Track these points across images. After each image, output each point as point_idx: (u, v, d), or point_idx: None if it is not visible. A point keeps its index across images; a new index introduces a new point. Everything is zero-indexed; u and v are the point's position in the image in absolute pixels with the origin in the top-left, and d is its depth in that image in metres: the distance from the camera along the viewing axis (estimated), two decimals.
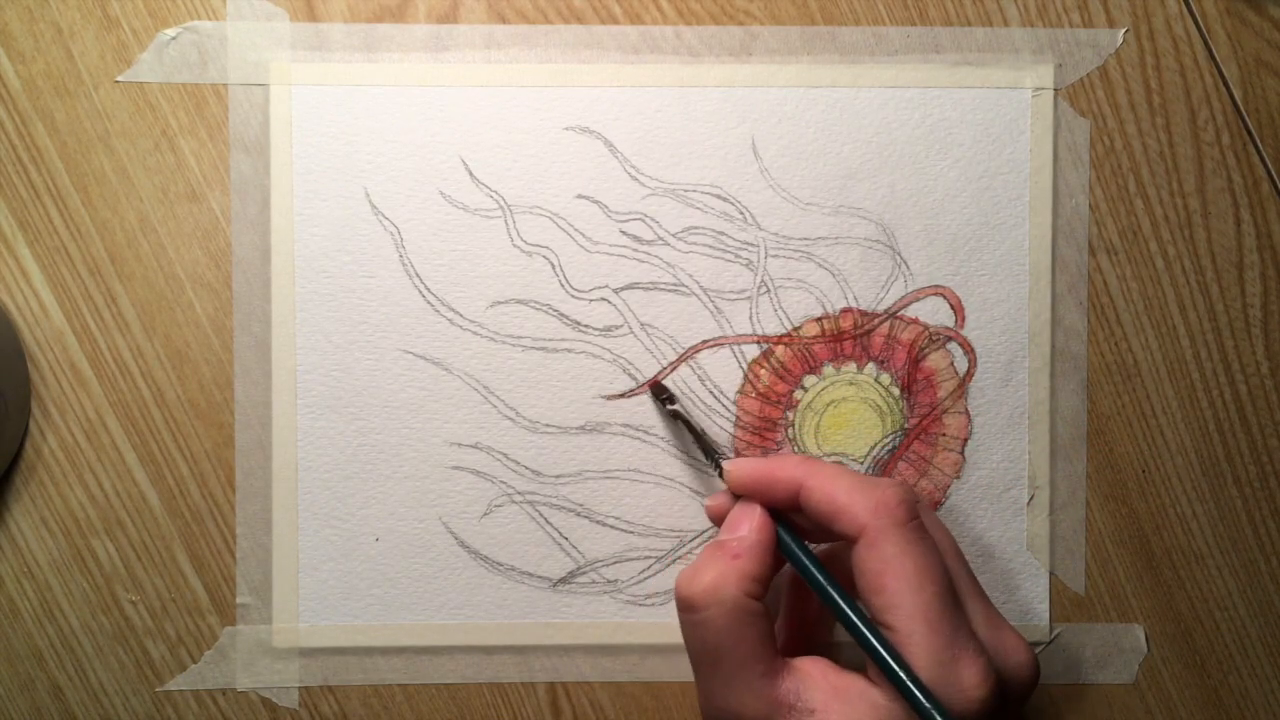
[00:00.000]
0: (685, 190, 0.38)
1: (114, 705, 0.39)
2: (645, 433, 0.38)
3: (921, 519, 0.32)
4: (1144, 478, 0.39)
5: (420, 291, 0.38)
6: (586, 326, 0.38)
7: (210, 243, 0.38)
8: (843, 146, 0.38)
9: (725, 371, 0.38)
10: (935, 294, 0.38)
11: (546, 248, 0.38)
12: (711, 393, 0.38)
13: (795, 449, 0.38)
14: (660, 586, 0.38)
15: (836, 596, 0.32)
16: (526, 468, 0.38)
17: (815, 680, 0.31)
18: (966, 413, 0.38)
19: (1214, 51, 0.38)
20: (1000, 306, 0.38)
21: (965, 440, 0.38)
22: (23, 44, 0.38)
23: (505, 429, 0.38)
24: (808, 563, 0.33)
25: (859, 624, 0.31)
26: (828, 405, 0.38)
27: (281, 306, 0.38)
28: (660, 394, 0.38)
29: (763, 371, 0.38)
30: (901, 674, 0.30)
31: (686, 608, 0.32)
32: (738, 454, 0.38)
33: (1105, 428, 0.39)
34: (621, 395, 0.38)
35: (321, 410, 0.38)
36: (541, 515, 0.38)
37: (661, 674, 0.39)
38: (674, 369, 0.38)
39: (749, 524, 0.33)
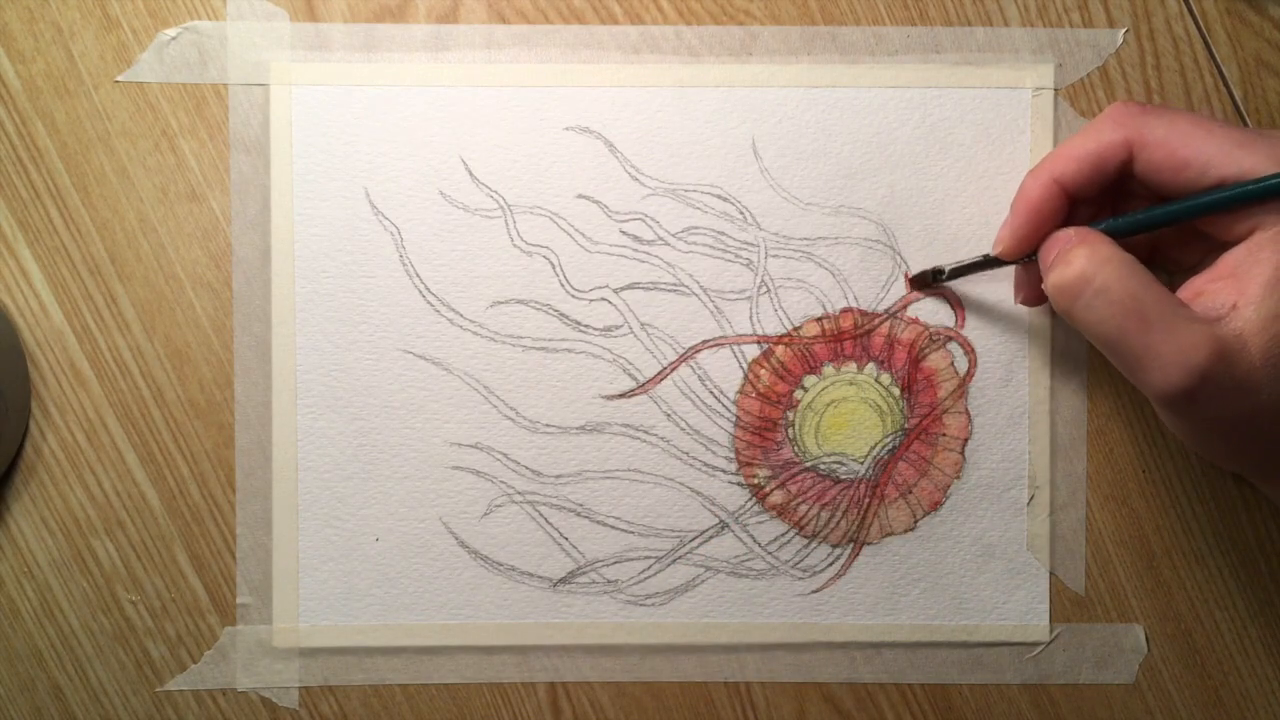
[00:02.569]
0: (685, 190, 0.38)
1: (114, 705, 0.39)
2: (645, 433, 0.38)
3: None
4: (1144, 478, 0.39)
5: (420, 291, 0.38)
6: (586, 326, 0.38)
7: (210, 243, 0.38)
8: (843, 146, 0.38)
9: (725, 371, 0.38)
10: (935, 294, 0.38)
11: (546, 248, 0.38)
12: (711, 393, 0.38)
13: (795, 449, 0.38)
14: (660, 586, 0.38)
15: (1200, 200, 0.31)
16: (526, 468, 0.38)
17: (1211, 282, 0.31)
18: (966, 413, 0.38)
19: (1214, 51, 0.38)
20: (1000, 306, 0.38)
21: (965, 440, 0.38)
22: (23, 44, 0.38)
23: (505, 429, 0.38)
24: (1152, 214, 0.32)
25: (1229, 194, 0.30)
26: (828, 405, 0.38)
27: (281, 306, 0.38)
28: (926, 281, 0.38)
29: (763, 371, 0.38)
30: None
31: (1075, 294, 0.31)
32: (738, 454, 0.38)
33: (1105, 428, 0.39)
34: (621, 395, 0.38)
35: (321, 410, 0.38)
36: (541, 515, 0.38)
37: (661, 674, 0.39)
38: (674, 369, 0.38)
39: (1072, 237, 0.32)
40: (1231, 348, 0.30)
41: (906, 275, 0.38)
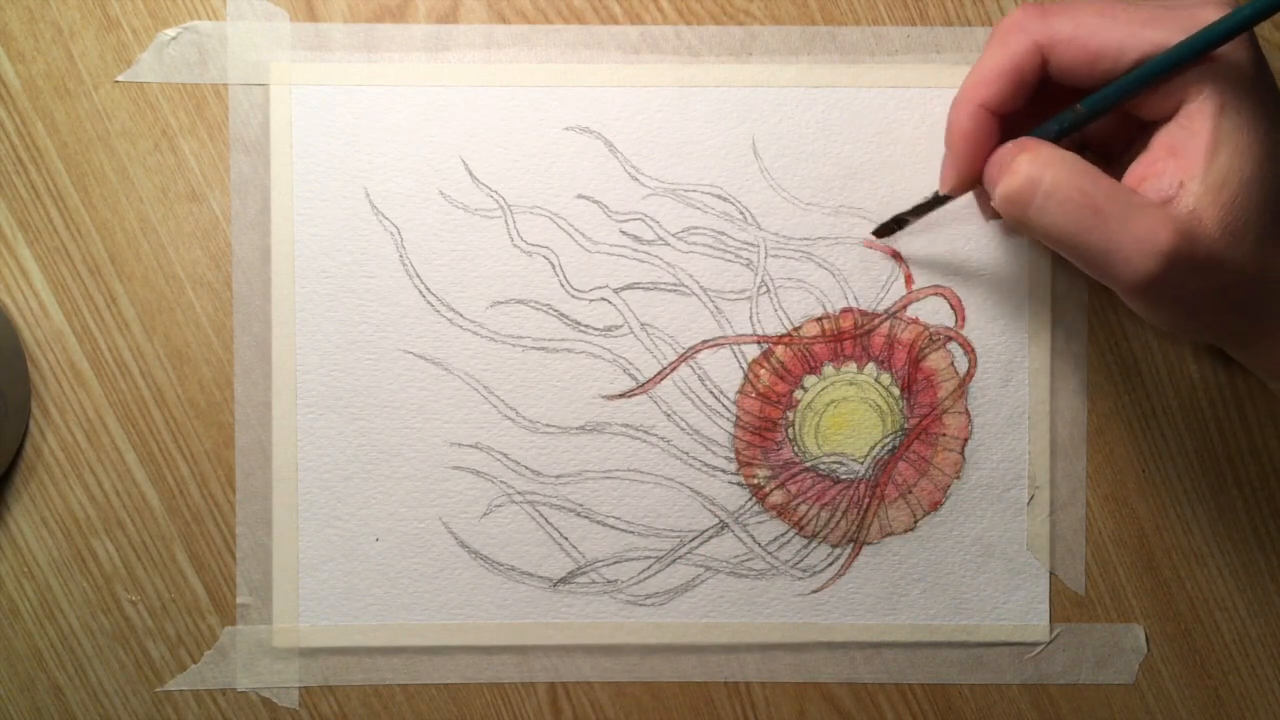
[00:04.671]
0: (685, 190, 0.38)
1: (114, 705, 0.39)
2: (645, 433, 0.38)
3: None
4: (1144, 478, 0.39)
5: (420, 291, 0.38)
6: (586, 326, 0.38)
7: (210, 243, 0.38)
8: (843, 146, 0.38)
9: (725, 371, 0.38)
10: (935, 294, 0.38)
11: (546, 248, 0.38)
12: (711, 393, 0.38)
13: (795, 449, 0.38)
14: (660, 586, 0.38)
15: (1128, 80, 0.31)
16: (526, 468, 0.38)
17: (1152, 165, 0.31)
18: (966, 413, 0.38)
19: None
20: (1000, 306, 0.38)
21: (965, 440, 0.38)
22: (23, 44, 0.38)
23: (505, 429, 0.38)
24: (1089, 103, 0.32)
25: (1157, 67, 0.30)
26: (828, 405, 0.38)
27: (281, 306, 0.38)
28: (889, 231, 0.37)
29: (763, 371, 0.38)
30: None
31: (1024, 201, 0.31)
32: (738, 454, 0.38)
33: (1105, 428, 0.39)
34: (621, 395, 0.38)
35: (321, 410, 0.38)
36: (541, 515, 0.38)
37: (661, 674, 0.39)
38: (674, 369, 0.38)
39: (1015, 149, 0.32)
40: (1189, 225, 0.30)
41: (871, 237, 0.38)
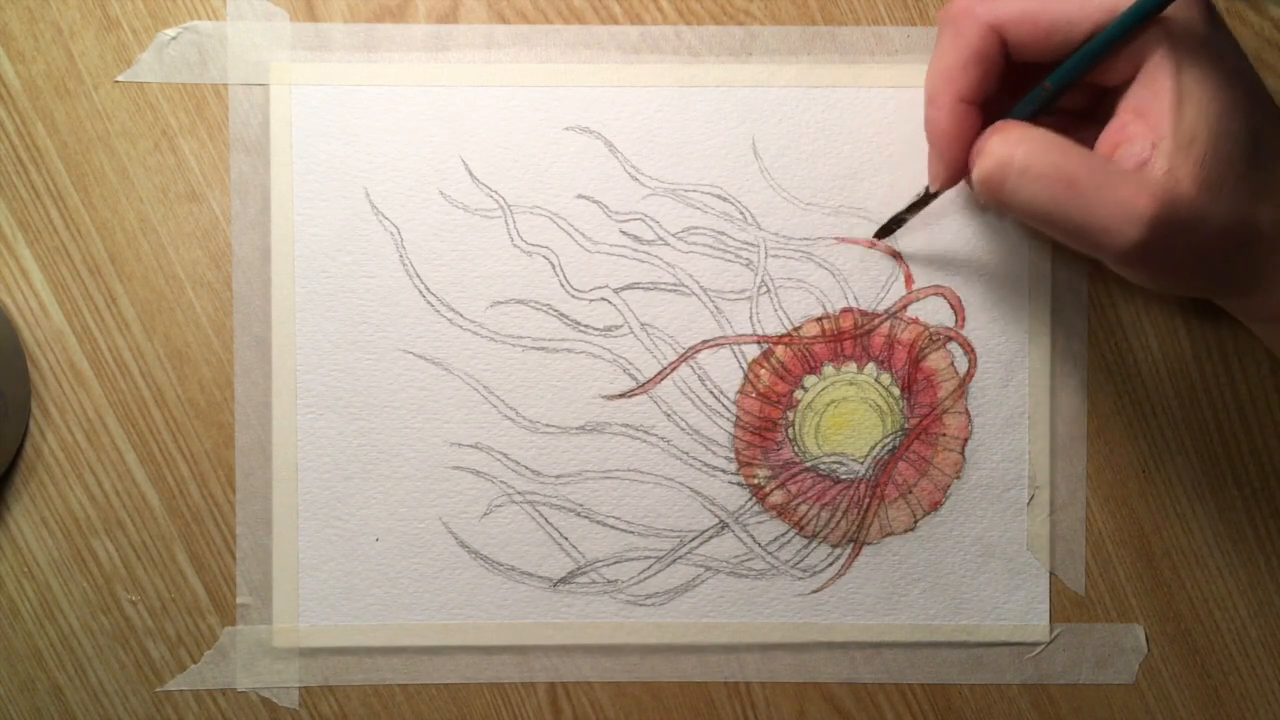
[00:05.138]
0: (685, 190, 0.38)
1: (114, 705, 0.39)
2: (645, 433, 0.38)
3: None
4: (1144, 478, 0.39)
5: (420, 291, 0.38)
6: (586, 326, 0.38)
7: (210, 243, 0.38)
8: (843, 146, 0.38)
9: (725, 371, 0.38)
10: (935, 294, 0.38)
11: (546, 248, 0.38)
12: (711, 393, 0.38)
13: (795, 449, 0.38)
14: (660, 586, 0.38)
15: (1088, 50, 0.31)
16: (526, 468, 0.38)
17: (1121, 131, 0.31)
18: (966, 413, 0.38)
19: None
20: (1000, 306, 0.38)
21: (965, 440, 0.38)
22: (23, 44, 0.38)
23: (505, 429, 0.38)
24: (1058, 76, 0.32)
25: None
26: (828, 405, 0.38)
27: (281, 306, 0.38)
28: (889, 231, 0.38)
29: (763, 371, 0.38)
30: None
31: (999, 181, 0.31)
32: (738, 453, 0.38)
33: (1105, 428, 0.39)
34: (621, 395, 0.38)
35: (321, 410, 0.38)
36: (541, 515, 0.38)
37: (661, 674, 0.39)
38: (674, 369, 0.38)
39: (994, 131, 0.32)
40: (1167, 188, 0.30)
41: (874, 238, 0.38)
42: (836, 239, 0.38)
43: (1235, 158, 0.30)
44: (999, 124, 0.32)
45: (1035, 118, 0.32)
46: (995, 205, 0.32)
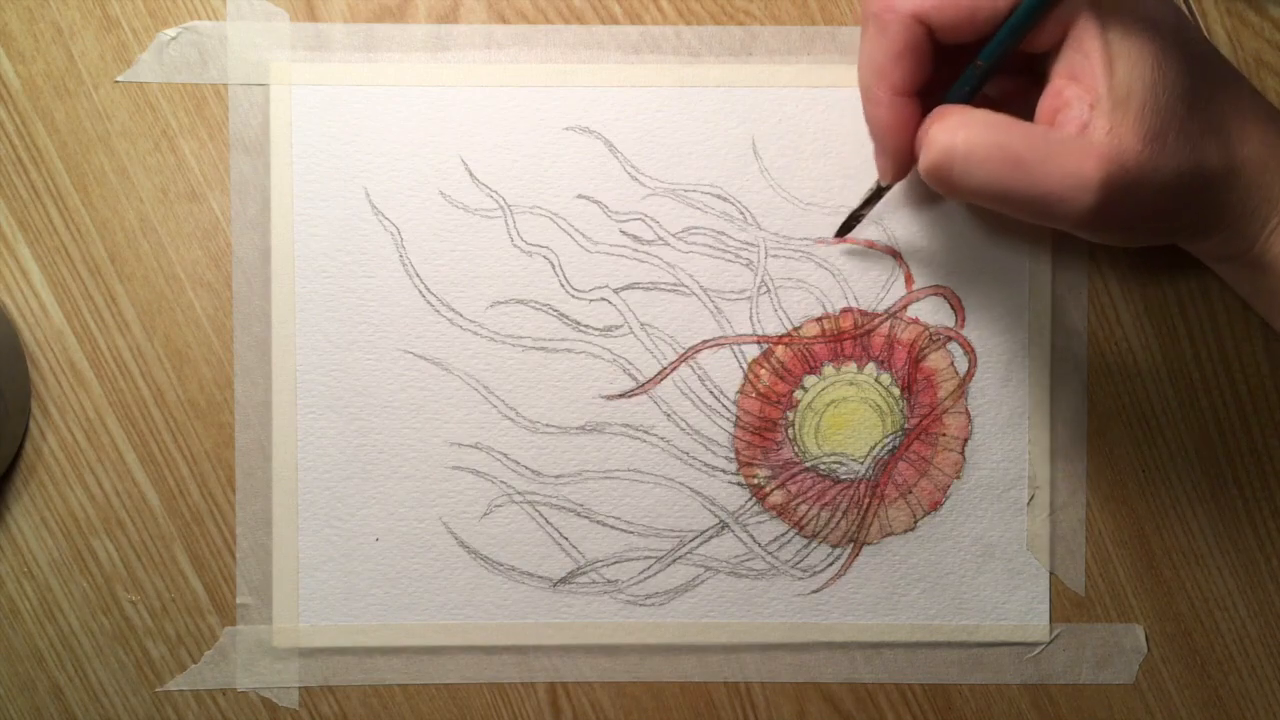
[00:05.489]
0: (685, 190, 0.38)
1: (114, 705, 0.39)
2: (645, 433, 0.38)
3: None
4: (1144, 478, 0.39)
5: (420, 291, 0.38)
6: (586, 326, 0.38)
7: (210, 243, 0.38)
8: (843, 146, 0.38)
9: (725, 371, 0.38)
10: (935, 294, 0.38)
11: (546, 248, 0.38)
12: (711, 393, 0.38)
13: (795, 449, 0.38)
14: (660, 586, 0.38)
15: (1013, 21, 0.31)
16: (526, 468, 0.38)
17: (1057, 97, 0.31)
18: (966, 413, 0.38)
19: None
20: (1000, 306, 0.38)
21: (965, 440, 0.38)
22: (23, 44, 0.38)
23: (505, 429, 0.38)
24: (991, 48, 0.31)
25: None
26: (828, 405, 0.38)
27: (281, 306, 0.38)
28: (849, 228, 0.38)
29: (763, 371, 0.38)
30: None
31: (945, 169, 0.31)
32: (738, 454, 0.38)
33: (1105, 428, 0.39)
34: (621, 395, 0.38)
35: (321, 410, 0.38)
36: (541, 515, 0.38)
37: (662, 674, 0.39)
38: (674, 369, 0.38)
39: (936, 119, 0.32)
40: (1111, 148, 0.30)
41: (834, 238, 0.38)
42: (836, 239, 0.38)
43: (1174, 104, 0.30)
44: (938, 110, 0.32)
45: (973, 96, 0.33)
46: (947, 193, 0.32)
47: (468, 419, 0.38)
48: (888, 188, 0.36)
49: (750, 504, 0.38)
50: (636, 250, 0.38)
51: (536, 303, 0.38)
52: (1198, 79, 0.31)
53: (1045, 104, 0.32)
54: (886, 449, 0.38)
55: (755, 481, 0.38)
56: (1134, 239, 0.33)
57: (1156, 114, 0.30)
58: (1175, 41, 0.31)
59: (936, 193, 0.35)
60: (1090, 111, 0.30)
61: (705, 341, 0.38)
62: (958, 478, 0.39)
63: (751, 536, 0.38)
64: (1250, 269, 0.33)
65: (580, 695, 0.39)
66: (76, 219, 0.38)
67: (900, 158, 0.34)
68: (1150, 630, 0.39)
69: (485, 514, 0.38)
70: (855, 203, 0.37)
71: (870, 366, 0.38)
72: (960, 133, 0.31)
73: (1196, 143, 0.31)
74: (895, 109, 0.33)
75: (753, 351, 0.38)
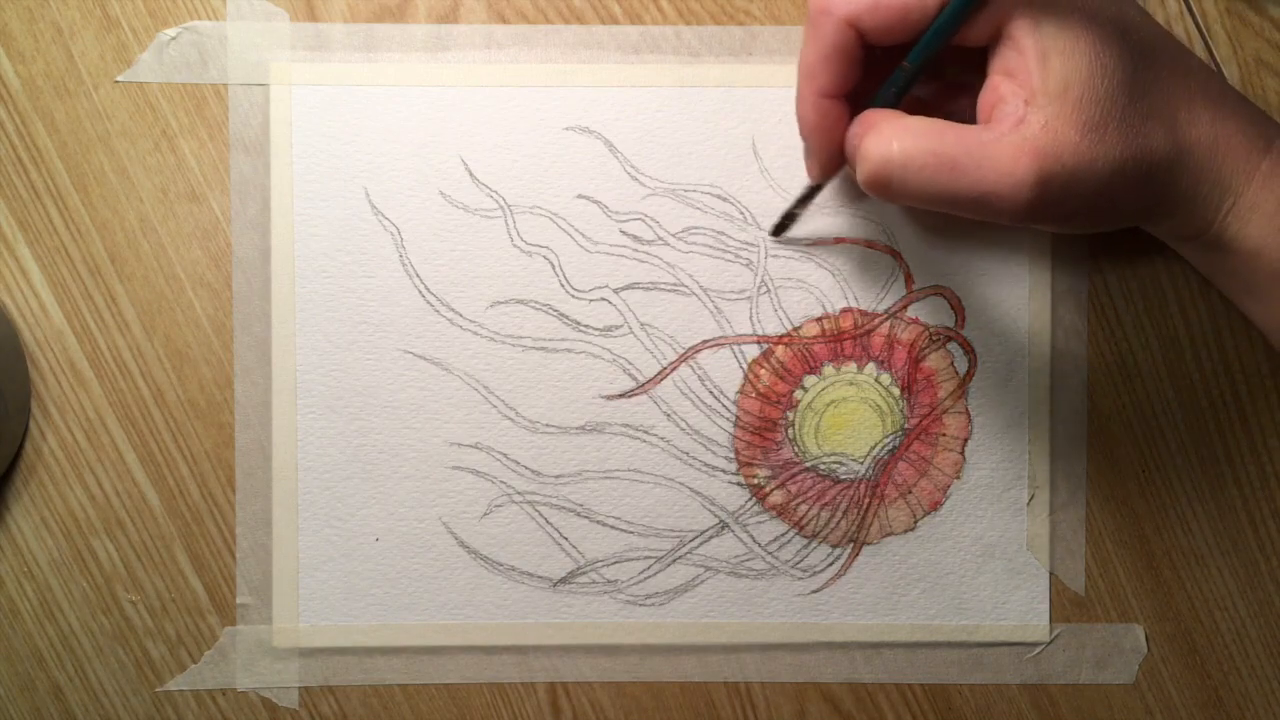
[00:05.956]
0: (685, 190, 0.38)
1: (114, 705, 0.39)
2: (645, 433, 0.38)
3: None
4: (1144, 478, 0.39)
5: (420, 291, 0.38)
6: (586, 326, 0.38)
7: (210, 243, 0.38)
8: None
9: (725, 371, 0.38)
10: (935, 294, 0.38)
11: (546, 248, 0.38)
12: (711, 393, 0.38)
13: (795, 449, 0.38)
14: (660, 586, 0.38)
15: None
16: (526, 468, 0.38)
17: (994, 93, 0.31)
18: (966, 413, 0.38)
19: (1214, 51, 0.38)
20: (1000, 306, 0.38)
21: (965, 440, 0.38)
22: (23, 44, 0.38)
23: (505, 429, 0.38)
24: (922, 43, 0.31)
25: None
26: (828, 405, 0.38)
27: (281, 306, 0.38)
28: (784, 228, 0.38)
29: (763, 371, 0.38)
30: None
31: (884, 179, 0.31)
32: (738, 454, 0.38)
33: (1105, 428, 0.39)
34: (621, 395, 0.38)
35: (321, 410, 0.38)
36: (541, 515, 0.38)
37: (662, 674, 0.39)
38: (674, 369, 0.38)
39: (870, 118, 0.32)
40: (1046, 141, 0.30)
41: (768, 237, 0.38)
42: (836, 239, 0.38)
43: (1115, 93, 0.30)
44: (867, 116, 0.32)
45: (901, 98, 0.33)
46: (888, 200, 0.32)
47: (468, 419, 0.38)
48: (820, 186, 0.36)
49: (750, 504, 0.38)
50: (636, 250, 0.38)
51: (536, 303, 0.38)
52: (1140, 66, 0.31)
53: (984, 100, 0.32)
54: (886, 449, 0.38)
55: (755, 481, 0.38)
56: (1082, 227, 0.33)
57: (1095, 104, 0.30)
58: (1115, 31, 0.31)
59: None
60: (1025, 107, 0.30)
61: (705, 341, 0.38)
62: (958, 478, 0.39)
63: (751, 536, 0.38)
64: (1209, 250, 0.33)
65: (580, 695, 0.39)
66: (76, 219, 0.38)
67: (826, 158, 0.34)
68: (1150, 630, 0.39)
69: (485, 514, 0.38)
70: (790, 202, 0.37)
71: (870, 366, 0.38)
72: (894, 143, 0.31)
73: (1139, 129, 0.30)
74: (820, 110, 0.33)
75: (753, 351, 0.38)
